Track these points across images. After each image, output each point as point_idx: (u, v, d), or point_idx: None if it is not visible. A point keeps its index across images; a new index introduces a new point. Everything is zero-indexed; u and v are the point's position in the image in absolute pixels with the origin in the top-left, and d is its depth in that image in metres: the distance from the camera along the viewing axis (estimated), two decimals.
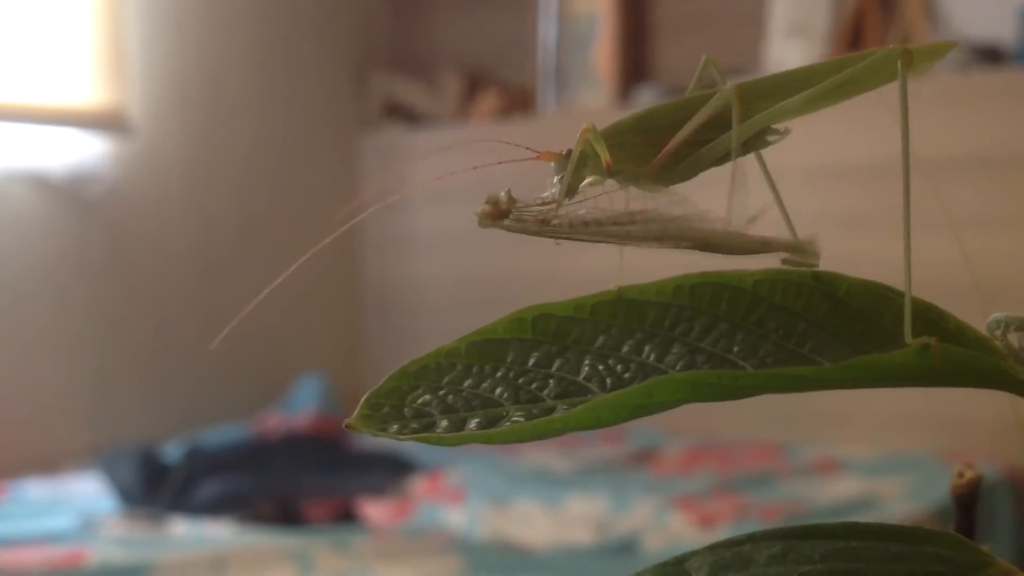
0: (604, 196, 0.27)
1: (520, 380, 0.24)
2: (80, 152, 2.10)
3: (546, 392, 0.23)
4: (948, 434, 1.84)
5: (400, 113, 2.58)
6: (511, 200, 0.27)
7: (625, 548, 1.46)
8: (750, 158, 0.29)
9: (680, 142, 0.28)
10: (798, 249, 0.24)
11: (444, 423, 0.23)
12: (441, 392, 0.23)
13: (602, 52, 2.31)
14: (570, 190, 0.28)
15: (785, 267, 0.25)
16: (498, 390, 0.24)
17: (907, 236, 0.25)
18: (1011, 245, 1.82)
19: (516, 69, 2.50)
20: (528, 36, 2.44)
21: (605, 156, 0.27)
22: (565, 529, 1.52)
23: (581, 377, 0.24)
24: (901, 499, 1.57)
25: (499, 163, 0.28)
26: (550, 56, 2.37)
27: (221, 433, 2.06)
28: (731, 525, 1.48)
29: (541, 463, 1.87)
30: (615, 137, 0.28)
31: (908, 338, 0.23)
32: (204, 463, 1.79)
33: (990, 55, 1.94)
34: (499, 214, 0.27)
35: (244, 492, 1.70)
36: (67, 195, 2.08)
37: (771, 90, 0.29)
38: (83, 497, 1.74)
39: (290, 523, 1.59)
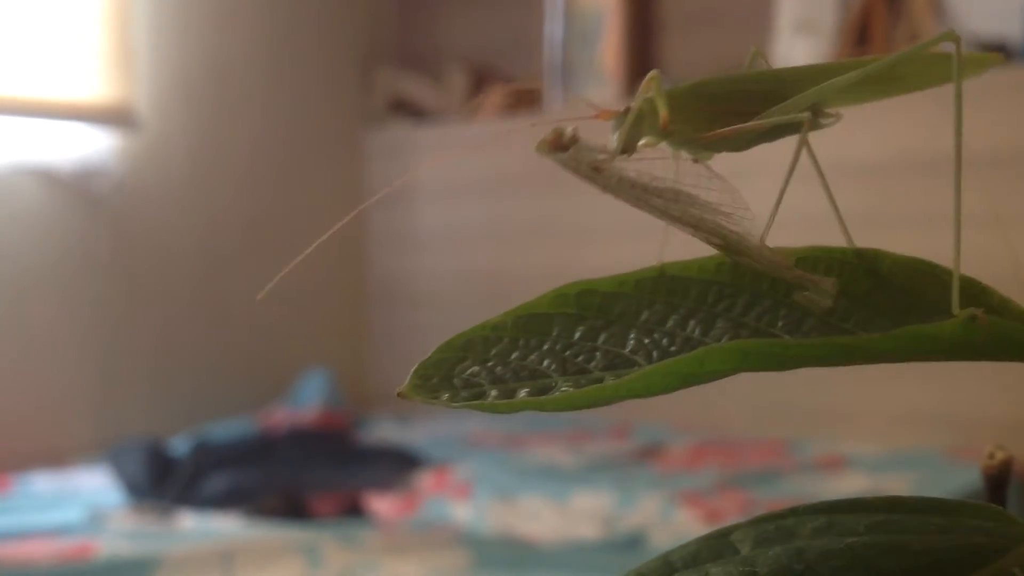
0: (660, 165, 0.27)
1: (567, 353, 0.24)
2: (87, 147, 2.10)
3: (593, 364, 0.24)
4: (954, 431, 1.84)
5: (406, 109, 2.58)
6: (574, 139, 0.28)
7: (631, 543, 1.46)
8: (791, 144, 0.29)
9: (739, 129, 0.28)
10: (815, 287, 0.24)
11: (494, 392, 0.23)
12: (489, 364, 0.24)
13: (609, 48, 2.31)
14: (627, 146, 0.28)
15: (826, 246, 0.25)
16: (545, 362, 0.24)
17: (957, 213, 0.25)
18: (1018, 242, 1.83)
19: (523, 65, 2.50)
20: (534, 32, 2.44)
21: (663, 111, 0.27)
22: (571, 524, 1.52)
23: (627, 350, 0.24)
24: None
25: (563, 120, 0.28)
26: (557, 52, 2.37)
27: (227, 428, 2.06)
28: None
29: (548, 458, 1.87)
30: (670, 100, 0.28)
31: (955, 309, 0.23)
32: (211, 457, 1.79)
33: (997, 52, 1.94)
34: (558, 146, 0.27)
35: (251, 486, 1.70)
36: (74, 190, 2.08)
37: (820, 79, 0.29)
38: (90, 490, 1.75)
39: (297, 517, 1.60)
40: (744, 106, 0.29)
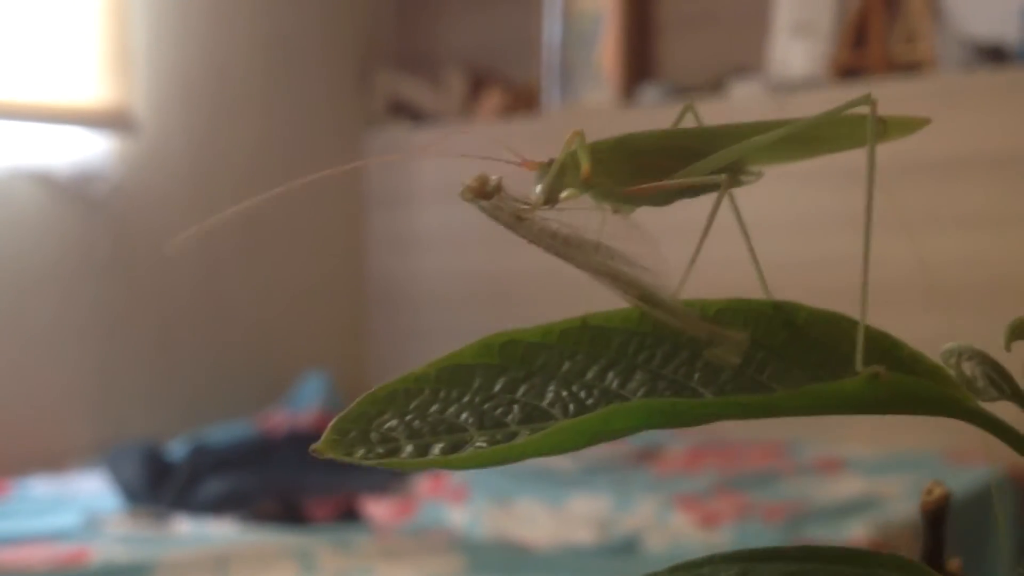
0: (582, 216, 0.27)
1: (485, 405, 0.24)
2: (85, 150, 2.11)
3: (510, 418, 0.24)
4: (951, 434, 1.84)
5: (405, 111, 2.58)
6: (498, 188, 0.28)
7: (627, 547, 1.47)
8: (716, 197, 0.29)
9: (660, 186, 0.29)
10: (726, 342, 0.24)
11: (409, 448, 0.23)
12: (408, 417, 0.24)
13: (606, 50, 2.32)
14: (550, 197, 0.29)
15: (744, 299, 0.26)
16: (463, 415, 0.24)
17: (865, 264, 0.25)
18: (1016, 243, 1.83)
19: (521, 67, 2.51)
20: (533, 34, 2.44)
21: (586, 164, 0.28)
22: (567, 528, 1.53)
23: (545, 403, 0.24)
24: (903, 498, 1.57)
25: (484, 158, 0.29)
26: (554, 54, 2.37)
27: (225, 431, 2.07)
28: (734, 524, 1.48)
29: (544, 462, 1.87)
30: (595, 154, 0.29)
31: (858, 366, 0.24)
32: (208, 461, 1.80)
33: (994, 55, 1.94)
34: (481, 194, 0.28)
35: (248, 490, 1.71)
36: (72, 193, 2.09)
37: (744, 137, 0.30)
38: (87, 495, 1.75)
39: (293, 521, 1.60)
40: (668, 162, 0.29)
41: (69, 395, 2.11)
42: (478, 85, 2.53)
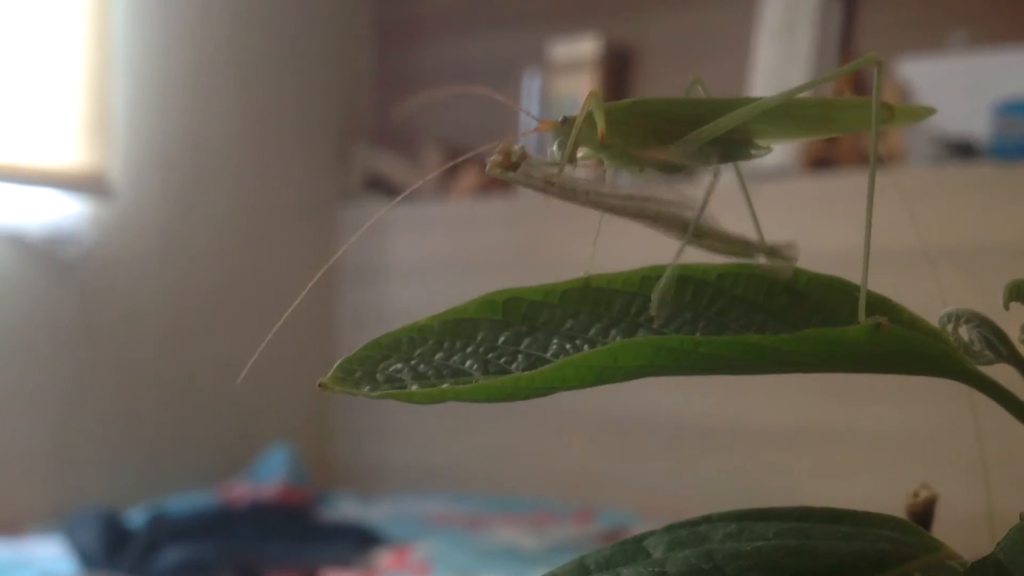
0: (605, 175, 0.28)
1: (489, 355, 0.24)
2: (59, 213, 2.10)
3: (514, 366, 0.24)
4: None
5: (381, 187, 2.60)
6: (523, 155, 0.28)
7: None
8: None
9: (667, 154, 0.30)
10: (776, 253, 0.25)
11: (415, 387, 0.23)
12: (412, 362, 0.24)
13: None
14: (571, 156, 0.29)
15: (747, 262, 0.26)
16: (468, 363, 0.24)
17: (868, 227, 0.26)
18: None
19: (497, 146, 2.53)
20: (510, 114, 2.47)
21: (602, 125, 0.29)
22: None
23: (549, 354, 0.24)
24: None
25: (519, 135, 0.29)
26: (531, 136, 2.40)
27: (186, 500, 2.04)
28: None
29: (510, 540, 1.86)
30: (610, 115, 0.29)
31: (861, 317, 0.24)
32: (168, 529, 1.77)
33: (964, 150, 1.98)
34: (508, 165, 0.28)
35: (207, 559, 1.68)
36: (43, 256, 2.08)
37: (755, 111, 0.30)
38: (44, 560, 1.72)
39: None
40: (678, 127, 0.30)
41: (28, 458, 2.07)
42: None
